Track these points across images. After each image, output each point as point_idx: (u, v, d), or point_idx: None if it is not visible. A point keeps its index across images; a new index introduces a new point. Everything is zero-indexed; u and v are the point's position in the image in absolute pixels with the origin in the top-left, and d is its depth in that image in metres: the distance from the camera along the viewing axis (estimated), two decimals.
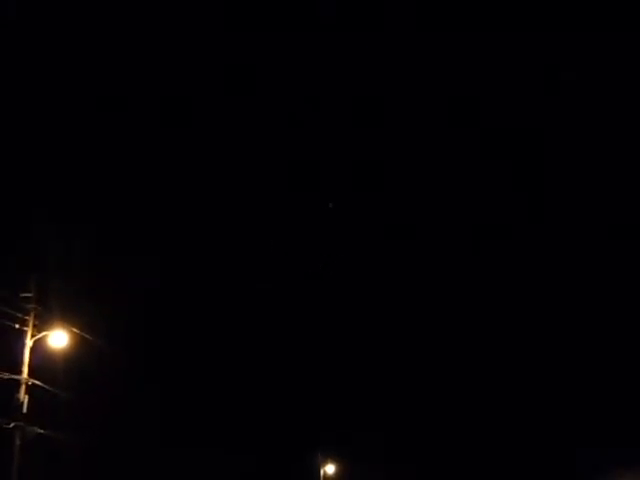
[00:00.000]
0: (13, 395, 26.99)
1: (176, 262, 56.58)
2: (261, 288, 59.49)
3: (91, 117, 55.11)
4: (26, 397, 27.06)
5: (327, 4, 55.69)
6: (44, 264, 31.62)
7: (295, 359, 60.95)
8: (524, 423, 69.64)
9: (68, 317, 28.59)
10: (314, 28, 56.27)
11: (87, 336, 29.23)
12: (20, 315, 27.37)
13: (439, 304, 73.84)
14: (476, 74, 60.16)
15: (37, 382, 27.53)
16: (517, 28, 57.08)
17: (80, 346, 29.42)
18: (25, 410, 27.02)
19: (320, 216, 64.83)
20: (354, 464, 60.89)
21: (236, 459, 53.21)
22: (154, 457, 46.11)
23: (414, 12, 56.80)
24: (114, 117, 58.44)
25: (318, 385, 61.59)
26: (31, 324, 27.52)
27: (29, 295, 27.69)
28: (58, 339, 28.03)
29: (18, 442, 26.70)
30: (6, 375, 26.79)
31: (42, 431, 27.63)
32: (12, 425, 26.55)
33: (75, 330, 28.57)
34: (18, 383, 26.99)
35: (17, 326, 27.35)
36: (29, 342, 27.49)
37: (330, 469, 56.45)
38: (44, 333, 27.80)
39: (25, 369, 27.16)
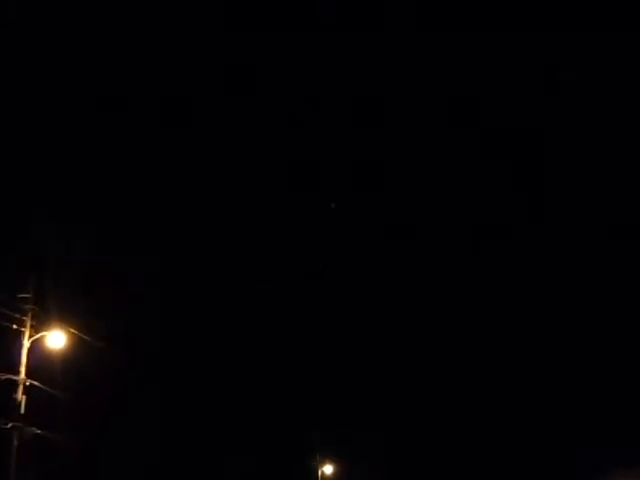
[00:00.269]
0: (11, 396, 26.97)
1: (176, 262, 56.63)
2: (261, 288, 59.53)
3: (91, 117, 55.16)
4: (24, 398, 27.07)
5: (327, 4, 55.76)
6: (42, 264, 31.61)
7: (294, 359, 61.01)
8: (524, 423, 69.67)
9: (66, 318, 28.58)
10: (314, 28, 56.31)
11: (85, 337, 29.22)
12: (18, 316, 27.38)
13: (439, 304, 73.87)
14: (476, 74, 60.19)
15: (35, 382, 27.52)
16: (517, 28, 57.10)
17: (78, 347, 29.41)
18: (23, 411, 27.01)
19: (320, 216, 64.87)
20: (352, 464, 60.90)
21: (235, 459, 53.24)
22: (153, 458, 46.17)
23: (414, 12, 56.84)
24: (114, 117, 58.48)
25: (317, 385, 61.63)
26: (28, 325, 27.54)
27: (27, 296, 27.70)
28: (56, 340, 28.04)
29: (16, 442, 26.69)
30: (4, 376, 26.80)
31: (40, 432, 27.58)
32: (10, 425, 26.55)
33: (73, 331, 28.56)
34: (16, 384, 26.99)
35: (15, 327, 27.32)
36: (27, 343, 27.50)
37: (328, 469, 56.47)
38: (42, 334, 27.82)
39: (23, 370, 27.17)
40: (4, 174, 42.89)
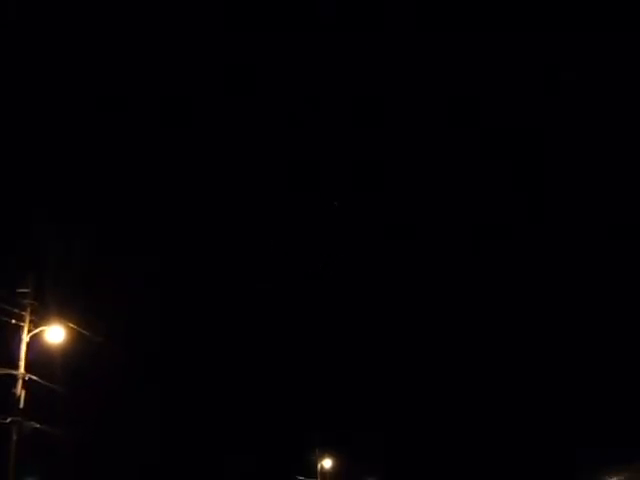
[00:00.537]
0: (10, 390, 26.96)
1: (176, 261, 56.69)
2: (261, 288, 59.57)
3: (91, 117, 55.27)
4: (23, 392, 27.07)
5: (327, 4, 55.85)
6: (42, 262, 31.67)
7: (294, 357, 61.03)
8: (524, 423, 69.62)
9: (65, 313, 28.58)
10: (314, 28, 56.40)
11: (84, 331, 29.22)
12: (17, 311, 27.38)
13: (439, 304, 73.93)
14: (476, 74, 60.28)
15: (34, 377, 27.52)
16: (517, 28, 57.22)
17: (77, 341, 29.41)
18: (22, 405, 27.01)
19: (320, 216, 64.90)
20: (351, 458, 60.92)
21: (234, 453, 53.29)
22: (151, 452, 46.19)
23: (414, 12, 56.93)
24: (114, 117, 58.61)
25: (316, 382, 61.65)
26: (28, 319, 27.54)
27: (26, 291, 27.71)
28: (55, 334, 28.05)
29: (15, 437, 26.69)
30: (3, 370, 26.81)
31: (39, 426, 27.57)
32: (9, 420, 26.55)
33: (72, 325, 28.56)
34: (15, 378, 26.99)
35: (14, 321, 27.33)
36: (26, 337, 27.51)
37: (327, 464, 56.48)
38: (41, 328, 27.82)
39: (22, 364, 27.18)
40: (4, 174, 42.99)
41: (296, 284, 65.04)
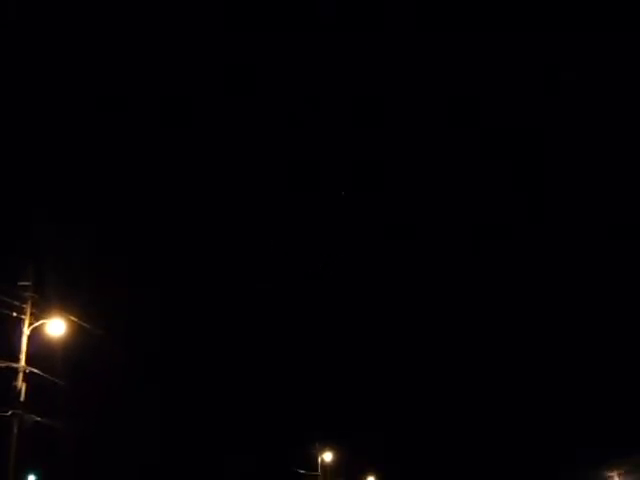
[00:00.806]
0: (11, 383, 26.93)
1: (176, 261, 56.72)
2: (261, 288, 59.58)
3: (91, 117, 55.31)
4: (24, 385, 27.03)
5: (327, 4, 55.92)
6: (42, 255, 31.64)
7: (295, 354, 61.06)
8: (524, 422, 69.63)
9: (66, 305, 28.55)
10: (314, 28, 56.47)
11: (84, 324, 29.19)
12: (18, 303, 27.34)
13: (439, 303, 73.99)
14: (476, 74, 60.34)
15: (35, 370, 27.48)
16: (517, 28, 57.30)
17: (78, 334, 29.38)
18: (23, 398, 26.97)
19: (320, 217, 64.94)
20: (351, 452, 60.96)
21: (235, 446, 53.28)
22: (151, 445, 46.16)
23: (414, 12, 57.00)
24: (114, 117, 58.64)
25: (317, 378, 61.71)
26: (28, 312, 27.50)
27: (27, 284, 27.67)
28: (56, 327, 28.01)
29: (16, 430, 26.65)
30: (4, 363, 26.77)
31: (40, 419, 27.53)
32: (10, 413, 26.50)
33: (72, 318, 28.53)
34: (16, 371, 26.95)
35: (15, 314, 27.30)
36: (27, 330, 27.47)
37: (328, 457, 56.49)
38: (42, 321, 27.79)
39: (23, 357, 27.14)
40: (4, 174, 43.01)
41: (296, 284, 65.08)
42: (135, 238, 53.65)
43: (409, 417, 71.26)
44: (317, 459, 55.19)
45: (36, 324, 27.74)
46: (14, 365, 27.00)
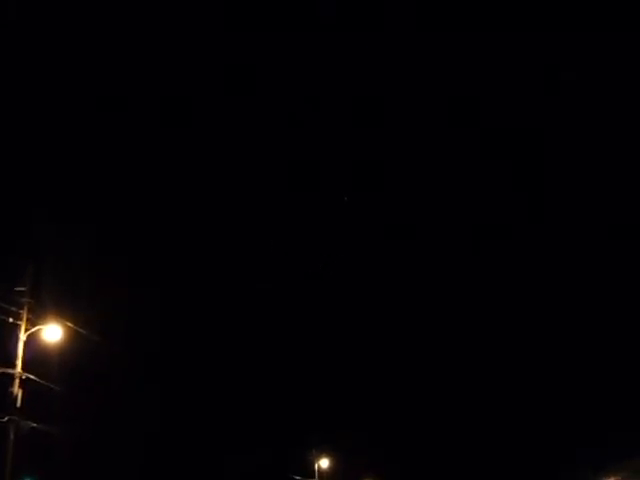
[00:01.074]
0: (7, 389, 26.93)
1: (176, 261, 56.71)
2: (261, 288, 59.57)
3: (91, 117, 55.29)
4: (20, 391, 27.03)
5: (327, 4, 55.86)
6: (40, 260, 31.64)
7: (293, 357, 61.05)
8: (524, 422, 69.64)
9: (63, 311, 28.55)
10: (314, 28, 56.41)
11: (81, 330, 29.18)
12: (14, 309, 27.34)
13: (438, 304, 73.97)
14: (476, 74, 60.26)
15: (31, 376, 27.48)
16: (517, 28, 57.20)
17: (74, 340, 29.38)
18: (19, 404, 26.97)
19: (319, 217, 64.93)
20: (348, 459, 60.97)
21: (234, 453, 53.30)
22: (149, 452, 46.20)
23: (414, 12, 56.92)
24: (114, 117, 58.63)
25: (315, 383, 61.69)
26: (25, 318, 27.50)
27: (23, 289, 27.67)
28: (52, 333, 28.01)
29: (12, 436, 26.66)
30: (0, 369, 26.78)
31: (36, 425, 27.55)
32: (6, 419, 26.52)
33: (69, 324, 28.53)
34: (12, 377, 26.95)
35: (11, 320, 27.30)
36: (23, 336, 27.47)
37: (324, 464, 56.53)
38: (38, 327, 27.78)
39: (19, 363, 27.14)
40: (4, 174, 43.00)
41: (296, 284, 65.08)
42: (135, 238, 53.66)
43: (408, 419, 71.30)
44: (314, 465, 55.27)
45: (32, 330, 27.74)
46: (10, 371, 27.00)
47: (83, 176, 51.62)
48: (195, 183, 60.35)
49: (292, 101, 67.59)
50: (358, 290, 70.15)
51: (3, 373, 26.87)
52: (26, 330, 27.59)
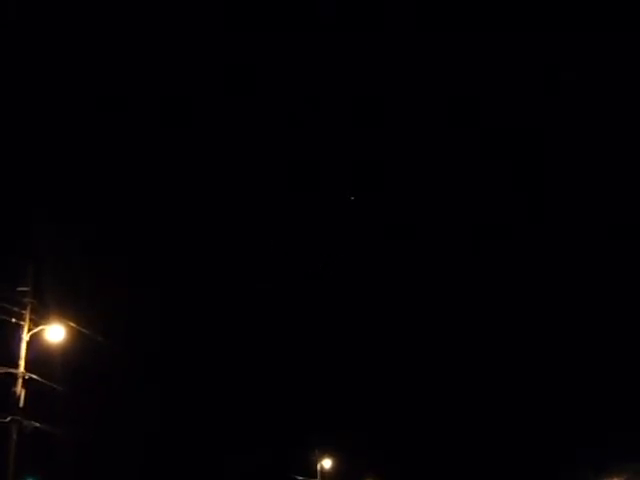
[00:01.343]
0: (10, 389, 26.91)
1: (176, 261, 56.67)
2: (261, 288, 59.55)
3: (91, 117, 55.23)
4: (23, 391, 27.03)
5: (327, 4, 55.80)
6: (41, 260, 31.60)
7: (294, 357, 61.03)
8: (524, 423, 69.67)
9: (65, 310, 28.54)
10: (314, 28, 56.35)
11: (84, 330, 29.17)
12: (17, 309, 27.33)
13: (438, 304, 73.92)
14: (476, 74, 60.22)
15: (34, 376, 27.47)
16: (517, 28, 57.14)
17: (77, 340, 29.37)
18: (22, 404, 26.96)
19: (320, 216, 64.92)
20: (350, 459, 61.00)
21: (234, 453, 53.28)
22: (150, 452, 46.19)
23: (414, 12, 56.87)
24: (114, 117, 58.56)
25: (316, 382, 61.68)
26: (27, 318, 27.50)
27: (26, 289, 27.66)
28: (55, 333, 28.00)
29: (15, 436, 26.64)
30: (3, 369, 26.76)
31: (39, 425, 27.52)
32: (9, 419, 26.50)
33: (72, 324, 28.51)
34: (15, 377, 26.94)
35: (14, 320, 27.28)
36: (26, 336, 27.46)
37: (327, 464, 56.56)
38: (41, 327, 27.77)
39: (22, 363, 27.13)
40: (4, 174, 42.96)
41: (296, 284, 65.06)
42: (135, 238, 53.61)
43: (409, 422, 71.29)
44: (316, 465, 55.29)
45: (35, 330, 27.73)
46: (13, 371, 27.01)
47: (83, 176, 51.59)
48: (195, 183, 60.30)
49: (292, 101, 67.59)
50: (358, 290, 70.11)
51: (6, 373, 26.87)
52: (29, 330, 27.59)
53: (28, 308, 27.51)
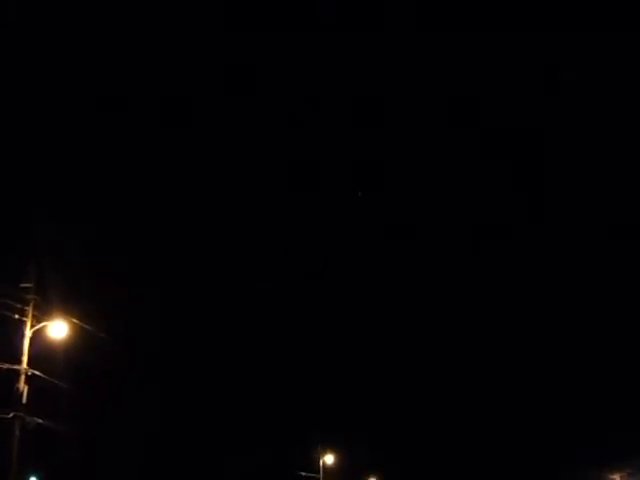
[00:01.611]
0: (13, 385, 26.88)
1: (176, 261, 56.68)
2: (261, 288, 59.55)
3: (91, 117, 55.24)
4: (25, 387, 26.99)
5: (327, 4, 55.82)
6: (43, 257, 31.58)
7: (297, 355, 61.07)
8: (524, 422, 69.68)
9: (68, 307, 28.50)
10: (314, 28, 56.39)
11: (87, 326, 29.14)
12: (20, 306, 27.30)
13: (438, 304, 74.00)
14: (476, 74, 60.28)
15: (37, 372, 27.44)
16: (517, 28, 57.22)
17: (80, 337, 29.34)
18: (25, 400, 26.93)
19: (320, 216, 64.94)
20: (353, 455, 61.03)
21: (236, 448, 53.30)
22: (152, 447, 46.17)
23: (414, 12, 56.92)
24: (114, 117, 58.59)
25: (318, 380, 61.72)
26: (30, 314, 27.47)
27: (28, 285, 27.63)
28: (58, 329, 27.96)
29: (18, 432, 26.60)
30: (6, 365, 26.73)
31: (41, 421, 27.48)
32: (12, 415, 26.46)
33: (75, 320, 28.48)
34: (18, 373, 26.91)
35: (17, 316, 27.25)
36: (29, 332, 27.43)
37: (329, 460, 56.60)
38: (44, 323, 27.74)
39: (25, 359, 27.10)
40: (4, 174, 42.97)
41: (296, 284, 65.09)
42: (135, 238, 53.64)
43: (410, 418, 71.33)
44: (319, 461, 55.30)
45: (38, 326, 27.69)
46: (16, 367, 26.96)
47: (83, 176, 51.62)
48: (195, 183, 60.35)
49: (292, 101, 67.61)
50: (358, 290, 70.18)
51: (9, 369, 26.83)
52: (31, 327, 27.55)
53: (31, 304, 27.47)
